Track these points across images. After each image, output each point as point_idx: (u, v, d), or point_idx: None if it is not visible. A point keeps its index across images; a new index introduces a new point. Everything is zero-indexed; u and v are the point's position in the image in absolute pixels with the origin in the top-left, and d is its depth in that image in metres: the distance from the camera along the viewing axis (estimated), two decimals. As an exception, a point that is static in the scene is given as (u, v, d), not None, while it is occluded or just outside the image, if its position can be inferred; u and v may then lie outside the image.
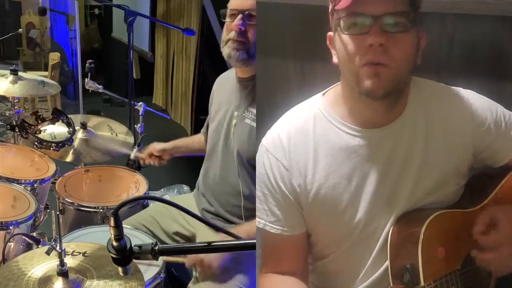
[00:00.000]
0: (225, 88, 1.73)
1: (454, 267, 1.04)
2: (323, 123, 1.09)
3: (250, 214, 1.60)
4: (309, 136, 1.09)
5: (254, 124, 1.54)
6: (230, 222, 1.67)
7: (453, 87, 1.11)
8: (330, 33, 1.05)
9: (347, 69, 1.01)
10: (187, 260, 1.54)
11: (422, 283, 0.99)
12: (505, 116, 1.11)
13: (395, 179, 1.07)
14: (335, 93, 1.10)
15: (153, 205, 1.94)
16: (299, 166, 1.09)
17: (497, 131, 1.10)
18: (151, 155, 2.07)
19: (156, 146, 2.06)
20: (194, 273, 1.63)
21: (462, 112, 1.08)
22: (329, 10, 1.03)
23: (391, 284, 1.05)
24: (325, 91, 1.13)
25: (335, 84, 1.11)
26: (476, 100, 1.09)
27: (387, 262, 1.07)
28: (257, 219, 1.15)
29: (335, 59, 1.04)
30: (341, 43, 0.99)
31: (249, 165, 1.59)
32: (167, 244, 1.78)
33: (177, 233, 1.79)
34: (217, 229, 1.53)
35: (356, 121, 1.06)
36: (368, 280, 1.13)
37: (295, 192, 1.10)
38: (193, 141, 2.07)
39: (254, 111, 1.55)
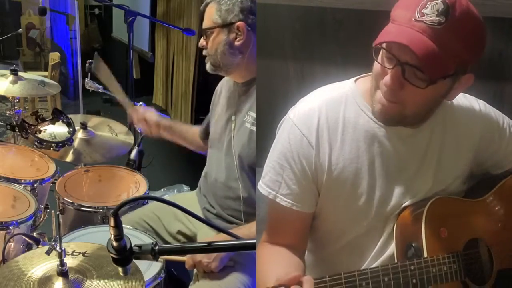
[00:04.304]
0: (226, 91, 1.74)
1: (456, 248, 1.08)
2: (354, 108, 1.11)
3: (250, 218, 1.60)
4: (339, 118, 1.11)
5: (254, 128, 1.54)
6: (231, 223, 1.67)
7: (467, 95, 1.16)
8: None
9: (373, 80, 1.05)
10: (187, 261, 1.54)
11: (425, 255, 1.03)
12: (510, 127, 1.17)
13: (411, 175, 1.11)
14: (367, 82, 1.11)
15: (155, 202, 1.93)
16: (325, 145, 1.11)
17: (501, 141, 1.16)
18: (143, 119, 2.00)
19: (153, 117, 1.98)
20: (194, 271, 1.63)
21: (473, 120, 1.13)
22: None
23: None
24: (357, 77, 1.15)
25: (369, 74, 1.11)
26: (485, 111, 1.15)
27: (392, 247, 1.12)
28: (266, 189, 1.16)
29: None
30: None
31: (249, 170, 1.58)
32: (168, 242, 1.78)
33: (179, 232, 1.79)
34: (217, 229, 1.53)
35: None
36: (373, 265, 1.16)
37: (315, 171, 1.12)
38: (187, 131, 2.02)
39: (254, 115, 1.55)
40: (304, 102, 1.15)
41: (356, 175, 1.11)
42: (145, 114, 2.00)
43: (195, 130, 2.00)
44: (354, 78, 1.15)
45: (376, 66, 1.01)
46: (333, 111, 1.11)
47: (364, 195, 1.12)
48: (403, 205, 1.12)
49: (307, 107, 1.13)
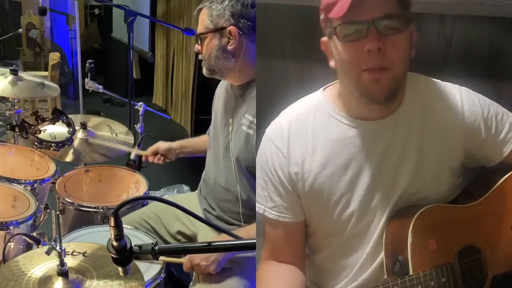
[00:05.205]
0: (223, 94, 1.75)
1: (446, 259, 1.06)
2: (323, 114, 1.12)
3: (250, 220, 1.60)
4: (308, 126, 1.13)
5: (250, 131, 1.54)
6: (232, 225, 1.67)
7: (445, 82, 1.13)
8: (324, 39, 1.08)
9: (346, 75, 1.04)
10: (184, 263, 1.54)
11: (411, 272, 1.01)
12: (497, 116, 1.12)
13: (391, 172, 1.09)
14: (335, 88, 1.14)
15: (156, 202, 1.94)
16: (297, 154, 1.13)
17: (487, 132, 1.11)
18: (155, 153, 2.05)
19: (162, 145, 2.05)
20: (194, 272, 1.63)
21: (454, 109, 1.10)
22: (321, 18, 1.06)
23: (386, 276, 1.06)
24: (325, 86, 1.17)
25: (335, 81, 1.14)
26: (468, 99, 1.11)
27: (382, 255, 1.10)
28: (257, 204, 1.19)
29: (332, 63, 1.07)
30: (338, 50, 1.02)
31: (248, 172, 1.58)
32: (168, 242, 1.79)
33: (179, 233, 1.79)
34: (218, 229, 1.53)
35: (354, 114, 1.09)
36: (364, 274, 1.15)
37: (292, 181, 1.14)
38: (199, 142, 2.06)
39: (250, 118, 1.55)
40: (277, 118, 1.19)
41: (332, 179, 1.11)
42: (154, 148, 2.05)
43: (205, 138, 2.01)
44: (323, 87, 1.17)
45: (343, 58, 1.01)
46: (302, 122, 1.13)
47: (342, 198, 1.11)
48: (388, 210, 1.09)
49: (279, 122, 1.17)
